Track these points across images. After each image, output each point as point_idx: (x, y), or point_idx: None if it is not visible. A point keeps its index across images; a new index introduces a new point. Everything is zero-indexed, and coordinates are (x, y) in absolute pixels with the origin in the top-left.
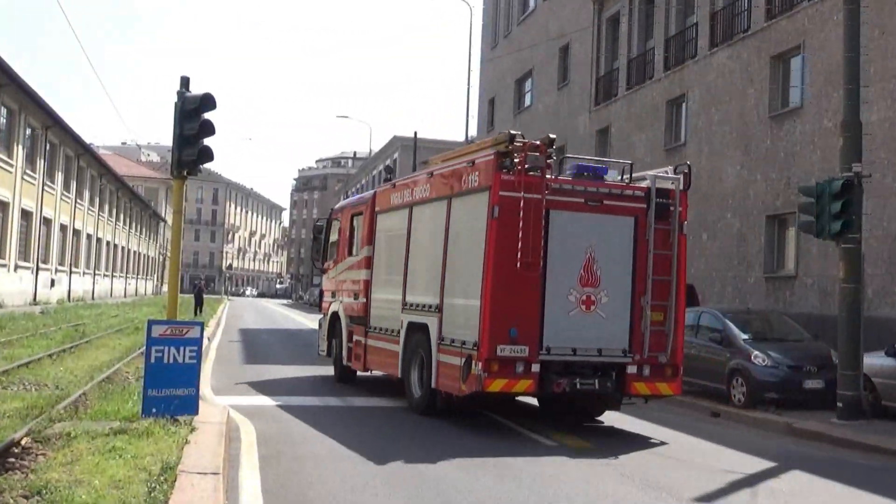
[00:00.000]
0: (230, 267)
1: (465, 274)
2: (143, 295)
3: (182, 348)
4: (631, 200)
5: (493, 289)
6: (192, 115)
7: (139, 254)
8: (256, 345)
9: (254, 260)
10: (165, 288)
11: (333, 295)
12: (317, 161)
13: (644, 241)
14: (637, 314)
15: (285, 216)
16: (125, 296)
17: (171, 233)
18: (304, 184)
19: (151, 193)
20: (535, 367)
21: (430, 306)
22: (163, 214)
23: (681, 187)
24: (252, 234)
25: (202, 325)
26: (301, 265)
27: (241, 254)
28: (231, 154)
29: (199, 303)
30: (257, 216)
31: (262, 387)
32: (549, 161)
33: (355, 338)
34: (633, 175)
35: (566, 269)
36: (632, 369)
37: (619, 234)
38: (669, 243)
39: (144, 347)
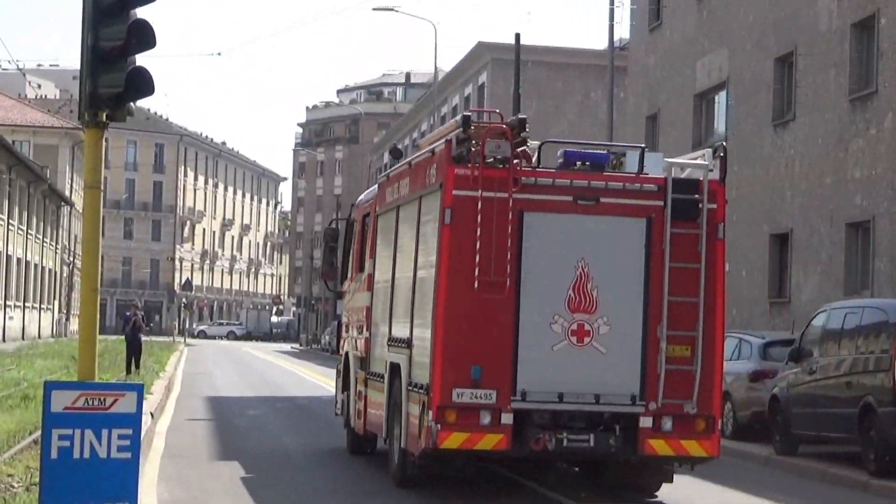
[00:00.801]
0: (188, 285)
1: (428, 297)
2: (34, 336)
3: (106, 433)
4: (641, 197)
5: (447, 316)
6: (114, 12)
7: (26, 263)
8: (238, 427)
9: (230, 272)
10: (76, 325)
11: (348, 329)
12: (339, 92)
13: (660, 250)
14: (652, 349)
15: (285, 191)
16: (1, 339)
17: (82, 225)
18: (317, 133)
19: (45, 154)
20: (507, 418)
21: (403, 341)
22: (67, 191)
23: (712, 177)
24: (226, 225)
25: (141, 391)
26: (315, 281)
27: (208, 262)
28: (193, 89)
29: (134, 350)
30: (237, 194)
31: None
32: (520, 149)
33: (357, 388)
34: (668, 161)
35: (548, 289)
36: (646, 422)
37: (624, 242)
38: (697, 252)
39: (41, 432)
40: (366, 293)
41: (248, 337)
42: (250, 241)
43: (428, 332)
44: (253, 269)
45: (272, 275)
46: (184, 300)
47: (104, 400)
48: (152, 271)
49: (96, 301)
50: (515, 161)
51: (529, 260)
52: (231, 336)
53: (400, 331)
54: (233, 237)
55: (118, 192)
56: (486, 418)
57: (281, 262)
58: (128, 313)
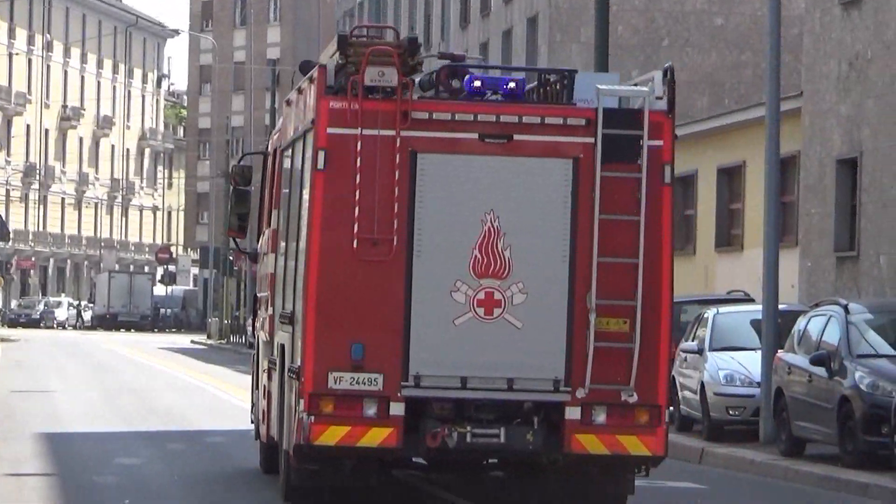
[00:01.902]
0: (0, 231)
1: (302, 260)
2: None
3: None
4: (565, 132)
5: (320, 282)
6: None
7: None
8: (102, 490)
9: (77, 206)
10: None
11: (259, 305)
12: None
13: (589, 199)
14: (580, 322)
15: (176, 56)
16: None
17: None
18: None
19: None
20: (397, 408)
21: (288, 315)
22: None
23: (655, 106)
24: (69, 117)
25: None
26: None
27: (36, 187)
28: None
29: None
30: (86, 62)
31: None
32: (410, 77)
33: (262, 381)
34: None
35: (448, 249)
36: (572, 413)
37: (543, 189)
38: (635, 201)
39: None
40: (271, 255)
41: (110, 323)
42: (113, 148)
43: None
44: (119, 200)
45: (155, 209)
46: None
47: None
48: None
49: None
50: (406, 91)
51: (424, 213)
52: (79, 323)
53: (287, 303)
54: (80, 140)
55: None
56: (370, 409)
57: (170, 187)
58: None
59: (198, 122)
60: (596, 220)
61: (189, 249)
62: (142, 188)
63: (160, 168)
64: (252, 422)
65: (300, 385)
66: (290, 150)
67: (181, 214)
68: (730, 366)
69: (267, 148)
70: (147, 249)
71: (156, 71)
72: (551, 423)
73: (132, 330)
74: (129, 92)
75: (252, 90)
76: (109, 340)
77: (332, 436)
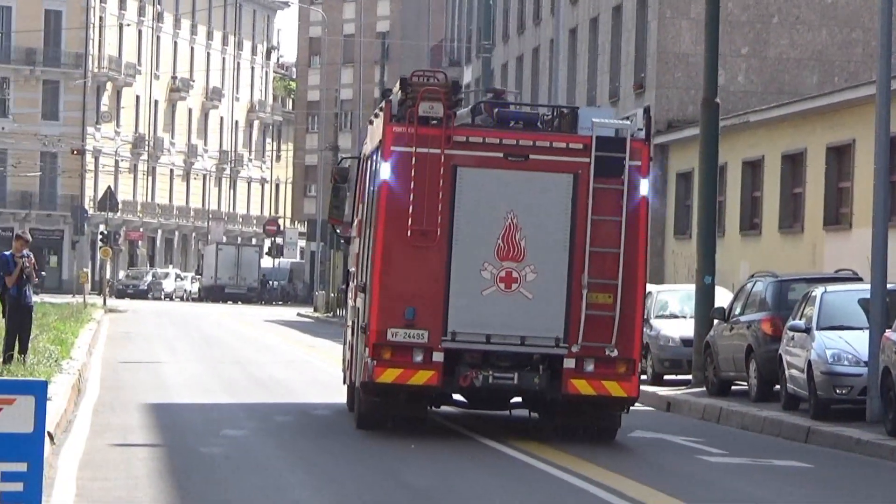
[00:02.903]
0: (109, 201)
1: (371, 245)
2: None
3: None
4: (568, 154)
5: (383, 261)
6: None
7: None
8: (208, 461)
9: (185, 177)
10: None
11: (351, 278)
12: None
13: (585, 204)
14: (576, 295)
15: (286, 29)
16: None
17: None
18: None
19: None
20: (438, 356)
21: (363, 286)
22: None
23: (636, 135)
24: (178, 89)
25: (42, 393)
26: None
27: (145, 158)
28: None
29: (19, 320)
30: (195, 34)
31: None
32: (452, 110)
33: (349, 338)
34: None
35: (479, 239)
36: (569, 363)
37: (551, 196)
38: (619, 207)
39: None
40: (357, 239)
41: (217, 295)
42: (222, 120)
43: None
44: (227, 172)
45: (263, 181)
46: (101, 229)
47: None
48: (45, 175)
49: None
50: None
51: (461, 211)
52: (186, 295)
53: (363, 276)
54: (189, 111)
55: None
56: (418, 356)
57: (278, 160)
58: (6, 253)
59: (307, 94)
60: (589, 219)
61: (296, 222)
62: (250, 160)
63: (268, 140)
64: (343, 370)
65: (367, 337)
66: (369, 161)
67: (289, 187)
68: (837, 345)
69: (360, 153)
70: (255, 222)
71: (265, 43)
72: (553, 371)
73: (239, 302)
74: (239, 64)
75: (361, 63)
76: (216, 312)
77: (390, 375)
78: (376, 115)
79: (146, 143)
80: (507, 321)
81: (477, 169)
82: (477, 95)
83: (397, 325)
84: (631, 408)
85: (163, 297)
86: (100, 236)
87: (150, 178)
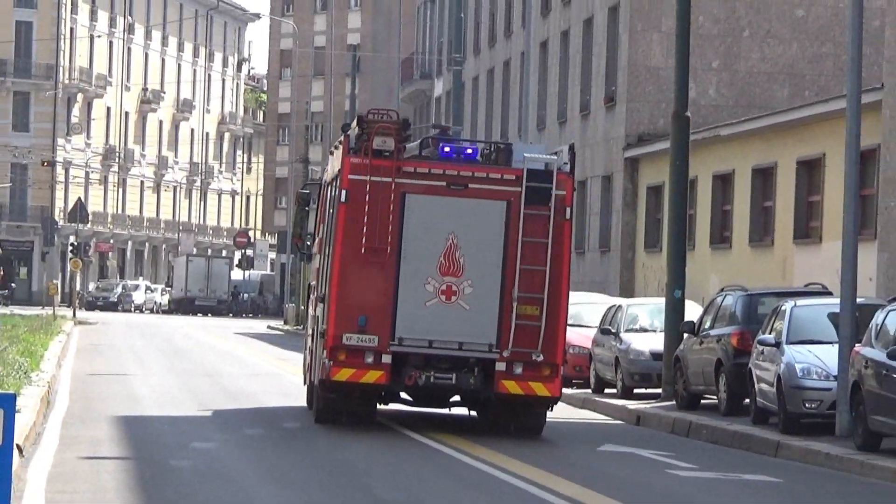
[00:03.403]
0: (79, 213)
1: (330, 261)
2: None
3: None
4: (502, 184)
5: (340, 274)
6: None
7: None
8: (177, 473)
9: (155, 189)
10: None
11: (311, 291)
12: None
13: (516, 228)
14: (507, 307)
15: (257, 40)
16: None
17: None
18: None
19: None
20: (386, 358)
21: (322, 297)
22: None
23: (561, 169)
24: (149, 100)
25: (11, 405)
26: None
27: (116, 169)
28: None
29: None
30: (167, 45)
31: None
32: (402, 144)
33: (309, 344)
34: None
35: (424, 256)
36: (500, 366)
37: (487, 220)
38: (546, 230)
39: None
40: (317, 255)
41: (188, 307)
42: (193, 132)
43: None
44: (197, 184)
45: (233, 193)
46: (72, 240)
47: None
48: (15, 186)
49: None
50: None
51: (409, 232)
52: (156, 307)
53: (322, 288)
54: (160, 123)
55: None
56: (369, 358)
57: (249, 172)
58: None
59: (277, 106)
60: (520, 241)
61: (267, 234)
62: (220, 172)
63: (239, 152)
64: (304, 373)
65: (324, 341)
66: (330, 186)
67: (259, 199)
68: (807, 359)
69: (321, 180)
70: (225, 234)
71: (236, 55)
72: (486, 372)
73: (209, 314)
74: (210, 76)
75: (332, 75)
76: (186, 324)
77: (344, 374)
78: (336, 148)
79: (117, 154)
80: (447, 329)
81: (423, 196)
82: (425, 131)
83: (351, 331)
84: (603, 425)
85: (133, 309)
86: (70, 248)
87: (120, 190)
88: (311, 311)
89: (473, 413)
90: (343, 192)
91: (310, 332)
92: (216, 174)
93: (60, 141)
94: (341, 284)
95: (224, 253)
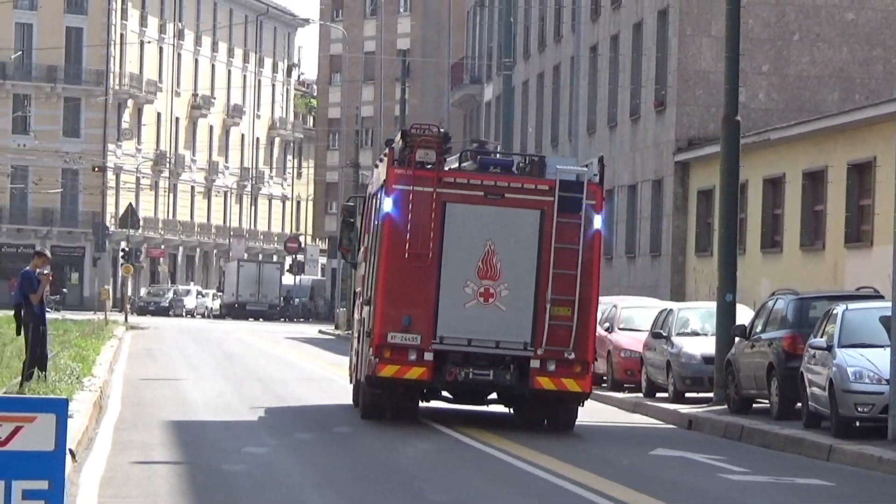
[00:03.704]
0: (130, 218)
1: (376, 266)
2: None
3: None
4: (536, 194)
5: (386, 278)
6: None
7: None
8: (230, 478)
9: (206, 195)
10: None
11: (357, 297)
12: None
13: (550, 234)
14: (541, 308)
15: (307, 45)
16: None
17: None
18: None
19: None
20: (429, 356)
21: (369, 299)
22: None
23: (592, 180)
24: (199, 106)
25: (63, 410)
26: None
27: (166, 175)
28: None
29: (37, 338)
30: (217, 51)
31: None
32: (443, 156)
33: (356, 346)
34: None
35: (463, 261)
36: (535, 363)
37: (523, 227)
38: (577, 237)
39: None
40: (363, 263)
41: (239, 312)
42: (243, 137)
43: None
44: (248, 189)
45: (284, 199)
46: (123, 246)
47: None
48: (66, 192)
49: None
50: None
51: (449, 238)
52: (207, 312)
53: (368, 292)
54: (210, 128)
55: (3, 49)
56: (413, 355)
57: (299, 177)
58: (26, 270)
59: (327, 112)
60: (553, 247)
61: (317, 239)
62: (271, 177)
63: (289, 157)
64: (350, 373)
65: (371, 340)
66: (375, 198)
67: (310, 204)
68: (858, 363)
69: (367, 192)
70: (276, 239)
71: (286, 60)
72: (522, 369)
73: (260, 319)
74: (260, 81)
75: (382, 81)
76: (238, 329)
77: (389, 371)
78: (381, 160)
79: (167, 160)
80: (485, 328)
81: (462, 205)
82: (465, 144)
83: (396, 330)
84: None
85: (184, 314)
86: (121, 253)
87: (171, 195)
88: (356, 315)
89: (510, 409)
90: (388, 201)
91: (356, 334)
92: (266, 179)
93: (111, 147)
94: (387, 287)
95: (275, 258)
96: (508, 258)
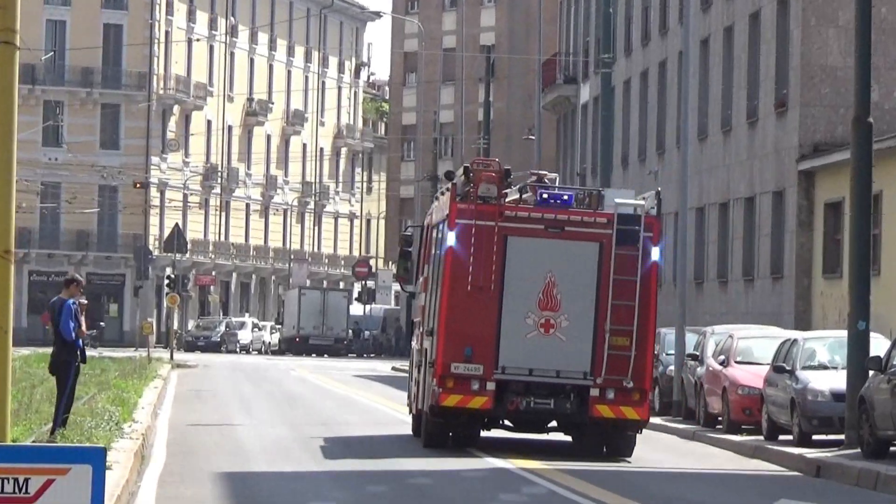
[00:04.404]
0: (177, 241)
1: (438, 297)
2: None
3: None
4: (595, 227)
5: (448, 310)
6: None
7: None
8: None
9: (262, 213)
10: None
11: (416, 327)
12: None
13: (608, 266)
14: (600, 338)
15: (377, 41)
16: None
17: None
18: None
19: None
20: (491, 386)
21: (431, 330)
22: None
23: (649, 213)
24: (255, 112)
25: (101, 461)
26: None
27: (217, 191)
28: None
29: (68, 376)
30: (275, 49)
31: None
32: (504, 191)
33: (416, 375)
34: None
35: (524, 293)
36: (594, 392)
37: (582, 260)
38: (635, 269)
39: None
40: (423, 294)
41: (301, 347)
42: (305, 147)
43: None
44: (311, 207)
45: (352, 217)
46: (168, 273)
47: (25, 483)
48: (104, 212)
49: (8, 277)
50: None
51: (511, 271)
52: (264, 347)
53: (430, 322)
54: (268, 138)
55: (32, 50)
56: (475, 385)
57: (369, 192)
58: (60, 298)
59: (401, 117)
60: (611, 278)
61: (391, 263)
62: (337, 193)
63: (358, 170)
64: (408, 404)
65: (434, 370)
66: (436, 230)
67: (382, 223)
68: None
69: (424, 223)
70: (343, 263)
71: (354, 59)
72: (581, 398)
73: (325, 354)
74: (324, 83)
75: (463, 81)
76: (299, 366)
77: (452, 400)
78: (442, 194)
79: (219, 174)
80: (546, 358)
81: (523, 238)
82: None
83: (458, 360)
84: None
85: (238, 349)
86: (166, 281)
87: (223, 215)
88: (415, 345)
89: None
90: (451, 235)
91: (415, 365)
92: (332, 195)
93: (155, 160)
94: (449, 318)
95: (342, 285)
96: (568, 290)
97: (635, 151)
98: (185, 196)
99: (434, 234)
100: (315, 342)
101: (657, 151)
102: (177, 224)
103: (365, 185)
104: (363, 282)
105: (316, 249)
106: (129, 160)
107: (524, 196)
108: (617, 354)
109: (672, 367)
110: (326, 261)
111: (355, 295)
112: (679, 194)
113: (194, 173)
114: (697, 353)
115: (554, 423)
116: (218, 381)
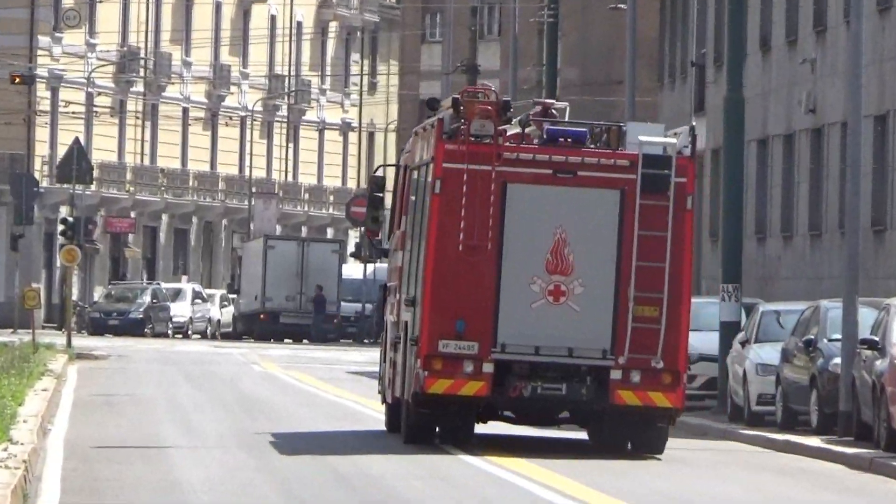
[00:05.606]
0: (74, 166)
1: (421, 259)
2: None
3: None
4: (615, 171)
5: (434, 275)
6: None
7: None
8: None
9: (209, 127)
10: None
11: (389, 293)
12: None
13: (632, 219)
14: (623, 308)
15: None
16: None
17: None
18: None
19: None
20: (488, 367)
21: (411, 299)
22: None
23: (682, 153)
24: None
25: None
26: None
27: (135, 97)
28: None
29: None
30: None
31: None
32: (501, 127)
33: (388, 354)
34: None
35: (528, 253)
36: (616, 374)
37: (599, 211)
38: (665, 222)
39: None
40: (399, 252)
41: (267, 327)
42: (274, 20)
43: (419, 290)
44: (282, 114)
45: (345, 128)
46: (63, 214)
47: None
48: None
49: None
50: (499, 138)
51: (511, 226)
52: (212, 329)
53: (410, 290)
54: (217, 6)
55: None
56: (468, 367)
57: (372, 91)
58: None
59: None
60: (636, 234)
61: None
62: (323, 92)
63: (355, 57)
64: (379, 391)
65: (418, 349)
66: (416, 173)
67: (391, 138)
68: None
69: (398, 162)
70: (332, 199)
71: None
72: (600, 382)
73: (304, 340)
74: None
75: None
76: (265, 358)
77: (440, 386)
78: (424, 129)
79: (141, 63)
80: (556, 333)
81: (526, 185)
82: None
83: (448, 337)
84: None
85: (171, 331)
86: (60, 227)
87: (146, 126)
88: (390, 317)
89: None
90: (436, 182)
91: (391, 342)
92: (315, 96)
93: (44, 40)
94: (436, 285)
95: (330, 233)
96: (582, 249)
97: (781, 31)
98: (88, 97)
99: (415, 178)
100: (289, 320)
101: (815, 30)
102: (76, 139)
103: (366, 80)
104: (363, 227)
105: (291, 179)
106: (5, 43)
107: (527, 131)
108: (643, 328)
109: (838, 360)
110: (307, 196)
111: (351, 249)
112: (849, 96)
113: (103, 61)
114: (876, 339)
115: (566, 414)
116: (140, 380)
